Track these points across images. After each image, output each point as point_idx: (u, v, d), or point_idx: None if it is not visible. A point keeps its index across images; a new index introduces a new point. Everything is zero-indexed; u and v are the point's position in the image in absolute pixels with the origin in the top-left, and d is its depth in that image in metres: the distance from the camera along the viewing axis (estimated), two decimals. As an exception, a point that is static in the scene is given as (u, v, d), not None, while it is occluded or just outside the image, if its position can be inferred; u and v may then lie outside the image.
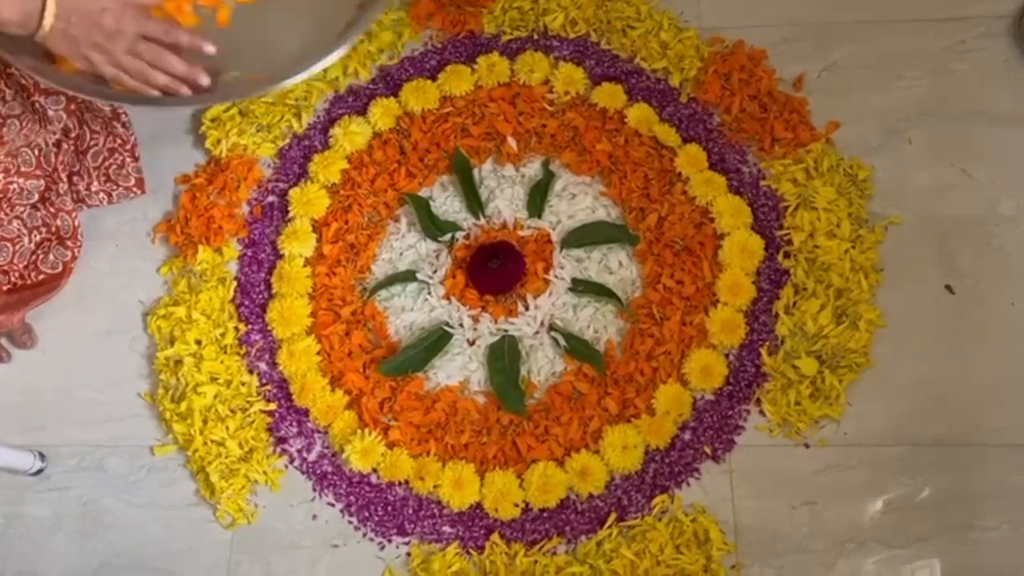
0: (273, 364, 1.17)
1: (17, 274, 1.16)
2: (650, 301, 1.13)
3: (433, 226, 1.19)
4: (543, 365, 1.13)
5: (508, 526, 1.07)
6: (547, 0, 1.30)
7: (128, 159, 1.23)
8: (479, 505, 1.08)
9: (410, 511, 1.09)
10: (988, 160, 1.17)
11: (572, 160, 1.21)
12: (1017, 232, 1.14)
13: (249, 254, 1.23)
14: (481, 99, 1.26)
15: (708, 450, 1.08)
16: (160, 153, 1.29)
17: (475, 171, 1.22)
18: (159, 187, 1.28)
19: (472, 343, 1.14)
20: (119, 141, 1.21)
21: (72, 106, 1.13)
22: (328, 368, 1.15)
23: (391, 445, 1.10)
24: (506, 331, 1.14)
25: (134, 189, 1.25)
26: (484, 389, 1.13)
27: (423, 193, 1.22)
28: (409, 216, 1.21)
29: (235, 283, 1.21)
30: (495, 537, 1.07)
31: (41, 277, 1.20)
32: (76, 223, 1.20)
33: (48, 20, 0.88)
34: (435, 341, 1.14)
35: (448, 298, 1.16)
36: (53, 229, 1.18)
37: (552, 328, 1.14)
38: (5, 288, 1.15)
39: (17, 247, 1.15)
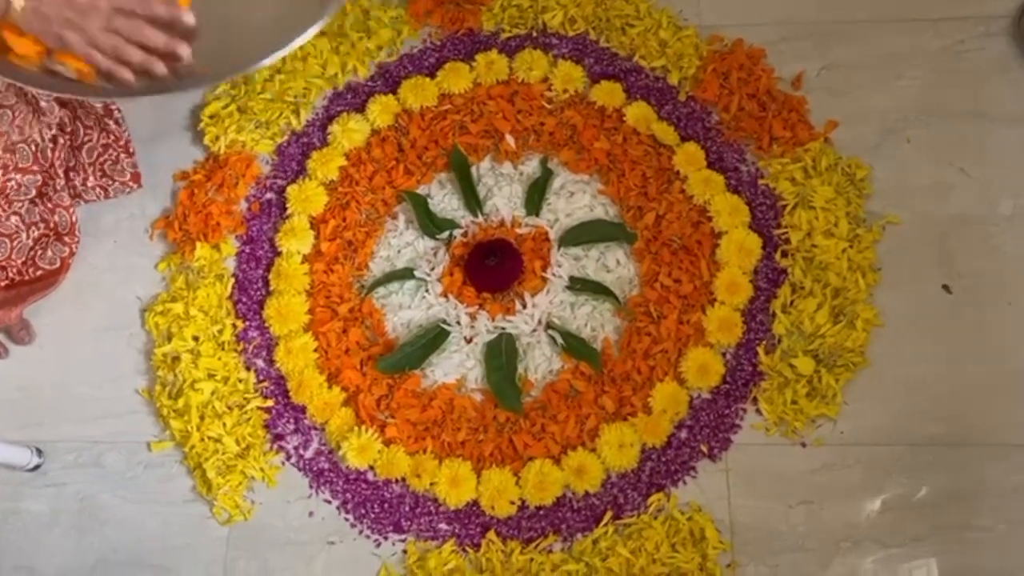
0: (270, 361, 1.17)
1: (15, 270, 1.17)
2: (647, 299, 1.13)
3: (431, 224, 1.19)
4: (540, 363, 1.13)
5: (504, 524, 1.07)
6: (546, -2, 1.30)
7: (122, 155, 1.23)
8: (475, 503, 1.08)
9: (406, 508, 1.09)
10: (986, 160, 1.17)
11: (570, 158, 1.21)
12: (1015, 232, 1.14)
13: (247, 251, 1.23)
14: (480, 97, 1.26)
15: (704, 449, 1.08)
16: (159, 149, 1.29)
17: (473, 169, 1.22)
18: (157, 183, 1.28)
19: (469, 341, 1.14)
20: (112, 137, 1.21)
21: (63, 99, 1.12)
22: (325, 365, 1.15)
23: (388, 442, 1.10)
24: (503, 329, 1.14)
25: (130, 184, 1.25)
26: (481, 387, 1.13)
27: (421, 191, 1.22)
28: (407, 214, 1.21)
29: (233, 280, 1.21)
30: (491, 535, 1.07)
31: (39, 273, 1.20)
32: (74, 219, 1.20)
33: None
34: (432, 339, 1.14)
35: (446, 296, 1.16)
36: (51, 225, 1.18)
37: (549, 326, 1.14)
38: (3, 284, 1.15)
39: (15, 243, 1.15)
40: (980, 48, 1.23)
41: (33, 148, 1.09)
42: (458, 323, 1.15)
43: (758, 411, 1.09)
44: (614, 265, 1.16)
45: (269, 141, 1.28)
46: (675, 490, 1.07)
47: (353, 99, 1.29)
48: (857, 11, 1.27)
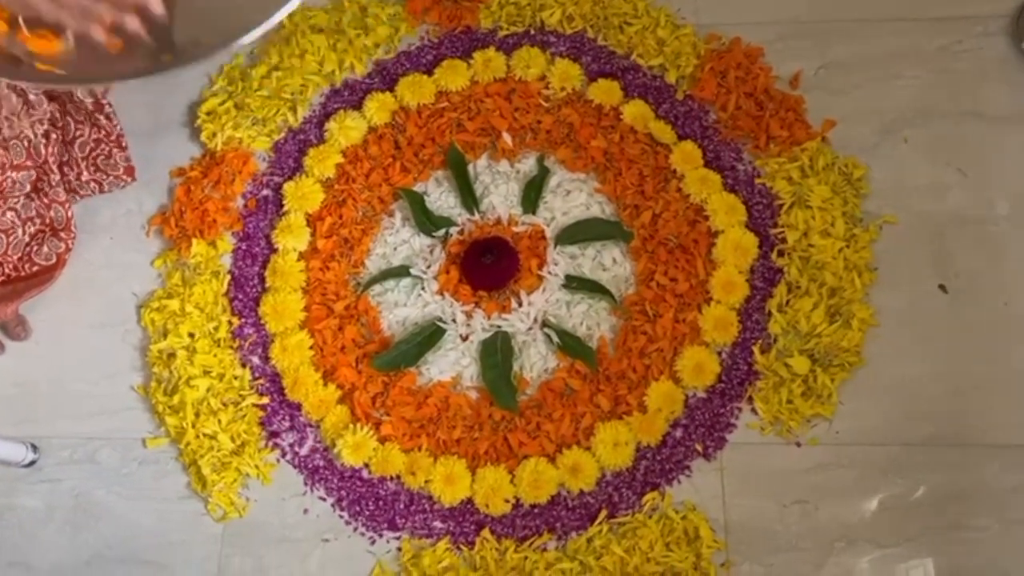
0: (266, 358, 1.17)
1: (11, 266, 1.17)
2: (643, 298, 1.13)
3: (427, 221, 1.19)
4: (536, 361, 1.13)
5: (499, 522, 1.07)
6: (544, -4, 1.30)
7: (115, 149, 1.23)
8: (470, 501, 1.08)
9: (401, 506, 1.09)
10: (984, 160, 1.17)
11: (567, 156, 1.21)
12: (1012, 232, 1.14)
13: (243, 248, 1.23)
14: (477, 94, 1.25)
15: (699, 448, 1.08)
16: (156, 146, 1.29)
17: (470, 166, 1.22)
18: (154, 180, 1.28)
19: (465, 339, 1.14)
20: (103, 132, 1.21)
21: (51, 93, 1.12)
22: (321, 362, 1.15)
23: (383, 440, 1.10)
24: (499, 327, 1.14)
25: (124, 177, 1.25)
26: (476, 385, 1.13)
27: (418, 188, 1.22)
28: (403, 211, 1.21)
29: (229, 277, 1.21)
30: (486, 533, 1.07)
31: (35, 269, 1.20)
32: (69, 214, 1.20)
33: None
34: (428, 336, 1.14)
35: (441, 293, 1.16)
36: (47, 220, 1.18)
37: (545, 324, 1.14)
38: (-1, 279, 1.15)
39: (11, 239, 1.15)
40: (978, 48, 1.23)
41: (26, 144, 1.09)
42: (454, 321, 1.15)
43: (753, 410, 1.09)
44: (610, 263, 1.16)
45: (266, 138, 1.28)
46: (670, 489, 1.07)
47: (350, 96, 1.29)
48: (855, 10, 1.27)
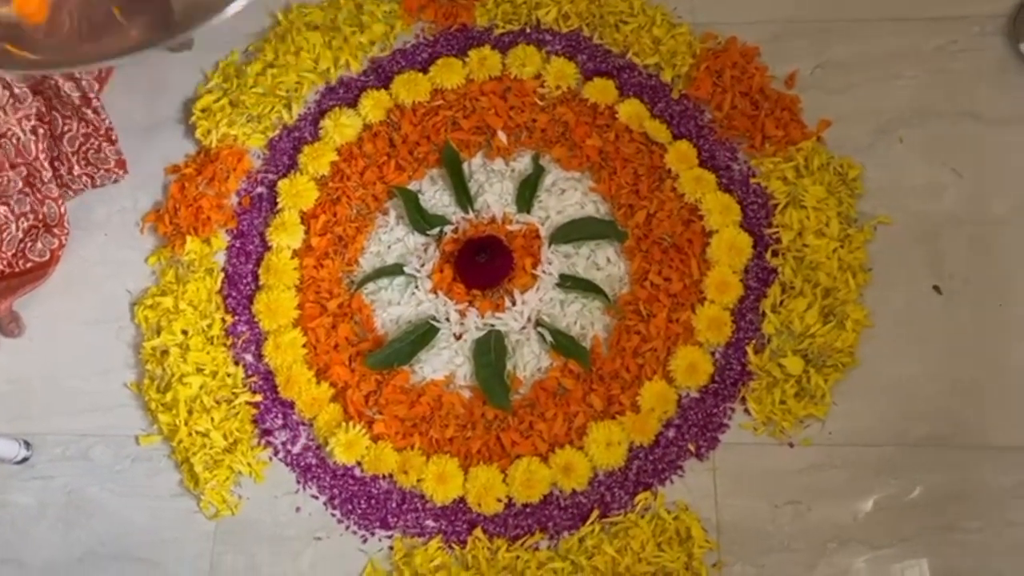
0: (259, 356, 1.16)
1: (5, 262, 1.17)
2: (637, 298, 1.13)
3: (422, 220, 1.19)
4: (529, 360, 1.12)
5: (491, 521, 1.07)
6: (540, -6, 1.29)
7: (104, 143, 1.22)
8: (462, 500, 1.08)
9: (393, 505, 1.09)
10: (980, 160, 1.17)
11: (562, 155, 1.21)
12: (1007, 233, 1.13)
13: (237, 245, 1.23)
14: (472, 92, 1.25)
15: (692, 448, 1.08)
16: (150, 143, 1.29)
17: (465, 165, 1.22)
18: (149, 177, 1.28)
19: (458, 337, 1.14)
20: (92, 127, 1.21)
21: (36, 87, 1.11)
22: (314, 361, 1.15)
23: (375, 438, 1.10)
24: (493, 326, 1.14)
25: (115, 170, 1.24)
26: (469, 384, 1.12)
27: (412, 186, 1.22)
28: (398, 209, 1.21)
29: (223, 274, 1.21)
30: (478, 532, 1.07)
31: (29, 265, 1.20)
32: (62, 210, 1.20)
33: None
34: (421, 335, 1.13)
35: (435, 292, 1.16)
36: (40, 216, 1.18)
37: (539, 324, 1.13)
38: (-8, 276, 1.15)
39: (5, 235, 1.15)
40: (975, 48, 1.23)
41: (15, 142, 1.09)
42: (447, 320, 1.15)
43: (746, 411, 1.09)
44: (604, 263, 1.16)
45: (261, 135, 1.27)
46: (662, 489, 1.07)
47: (345, 94, 1.29)
48: (852, 10, 1.26)
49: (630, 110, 1.21)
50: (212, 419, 1.13)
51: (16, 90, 1.08)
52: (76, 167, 1.21)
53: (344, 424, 1.10)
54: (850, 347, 1.08)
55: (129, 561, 1.11)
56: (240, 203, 1.25)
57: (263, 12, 1.34)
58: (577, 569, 1.03)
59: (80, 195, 1.26)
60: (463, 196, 1.20)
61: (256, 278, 1.20)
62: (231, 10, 0.83)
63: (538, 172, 1.20)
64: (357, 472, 1.11)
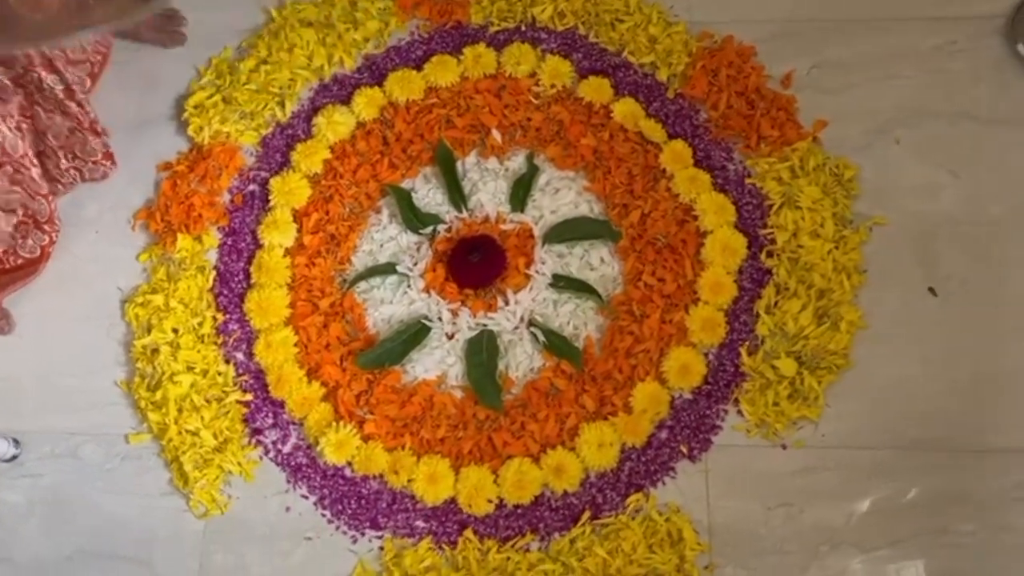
0: (250, 354, 1.16)
1: (-5, 258, 1.16)
2: (631, 298, 1.12)
3: (415, 218, 1.18)
4: (521, 361, 1.12)
5: (482, 522, 1.07)
6: (535, -8, 1.29)
7: (90, 136, 1.21)
8: (453, 500, 1.07)
9: (384, 505, 1.09)
10: (976, 161, 1.16)
11: (556, 154, 1.20)
12: (1003, 235, 1.13)
13: (229, 243, 1.22)
14: (466, 91, 1.24)
15: (684, 449, 1.07)
16: (142, 139, 1.28)
17: (459, 163, 1.21)
18: (140, 174, 1.27)
19: (451, 337, 1.14)
20: (76, 120, 1.19)
21: (18, 80, 1.10)
22: (305, 360, 1.14)
23: (366, 438, 1.10)
24: (485, 326, 1.13)
25: (103, 163, 1.23)
26: (461, 384, 1.12)
27: (405, 185, 1.21)
28: (391, 208, 1.20)
29: (214, 272, 1.20)
30: (468, 533, 1.06)
31: (19, 261, 1.19)
32: (52, 207, 1.19)
33: None
34: (413, 334, 1.13)
35: (428, 291, 1.15)
36: (29, 212, 1.17)
37: (531, 324, 1.13)
38: (-18, 272, 1.15)
39: (-6, 232, 1.14)
40: (973, 48, 1.22)
41: (0, 139, 1.08)
42: (440, 319, 1.14)
43: (739, 412, 1.08)
44: (598, 263, 1.15)
45: (254, 132, 1.27)
46: (654, 490, 1.06)
47: (339, 91, 1.28)
48: (849, 10, 1.25)
49: (625, 109, 1.20)
50: (202, 418, 1.12)
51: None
52: (64, 161, 1.20)
53: (335, 424, 1.10)
54: (844, 349, 1.08)
55: (118, 560, 1.11)
56: (232, 200, 1.24)
57: (257, 8, 1.33)
58: (568, 571, 1.03)
59: (72, 191, 1.25)
60: (456, 195, 1.19)
61: (248, 276, 1.19)
62: None
63: (532, 171, 1.19)
64: (347, 472, 1.10)
